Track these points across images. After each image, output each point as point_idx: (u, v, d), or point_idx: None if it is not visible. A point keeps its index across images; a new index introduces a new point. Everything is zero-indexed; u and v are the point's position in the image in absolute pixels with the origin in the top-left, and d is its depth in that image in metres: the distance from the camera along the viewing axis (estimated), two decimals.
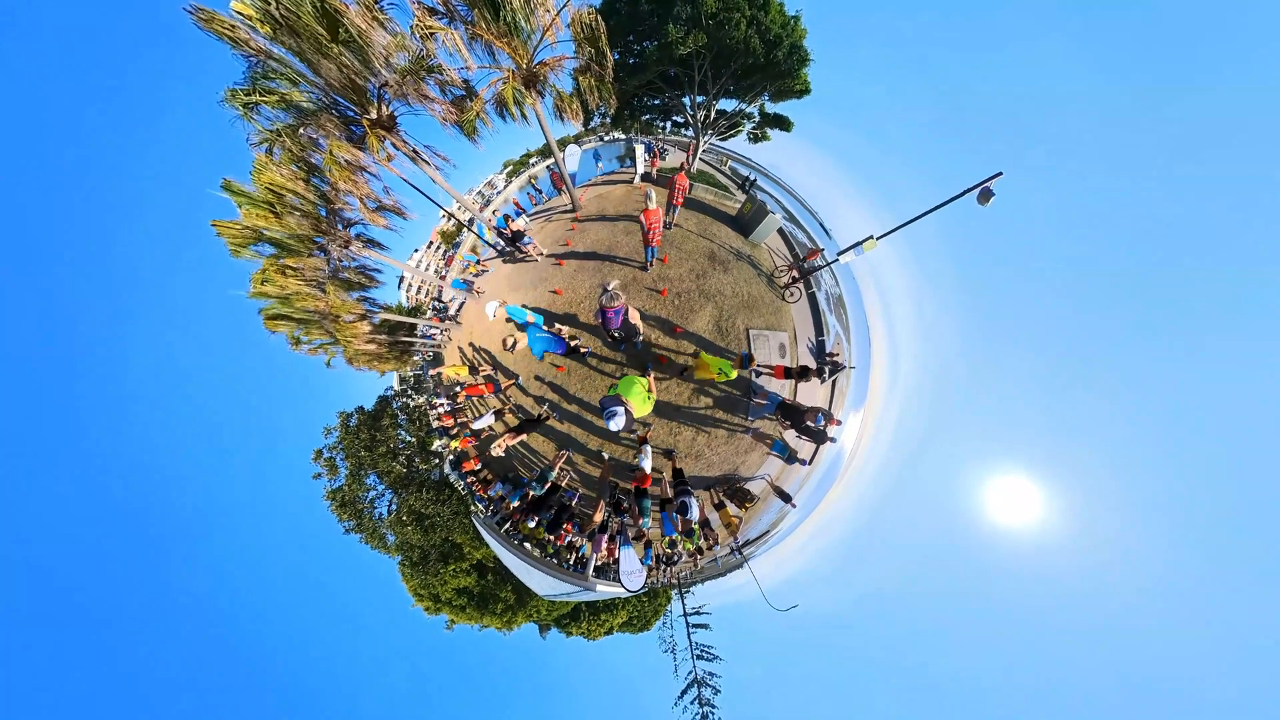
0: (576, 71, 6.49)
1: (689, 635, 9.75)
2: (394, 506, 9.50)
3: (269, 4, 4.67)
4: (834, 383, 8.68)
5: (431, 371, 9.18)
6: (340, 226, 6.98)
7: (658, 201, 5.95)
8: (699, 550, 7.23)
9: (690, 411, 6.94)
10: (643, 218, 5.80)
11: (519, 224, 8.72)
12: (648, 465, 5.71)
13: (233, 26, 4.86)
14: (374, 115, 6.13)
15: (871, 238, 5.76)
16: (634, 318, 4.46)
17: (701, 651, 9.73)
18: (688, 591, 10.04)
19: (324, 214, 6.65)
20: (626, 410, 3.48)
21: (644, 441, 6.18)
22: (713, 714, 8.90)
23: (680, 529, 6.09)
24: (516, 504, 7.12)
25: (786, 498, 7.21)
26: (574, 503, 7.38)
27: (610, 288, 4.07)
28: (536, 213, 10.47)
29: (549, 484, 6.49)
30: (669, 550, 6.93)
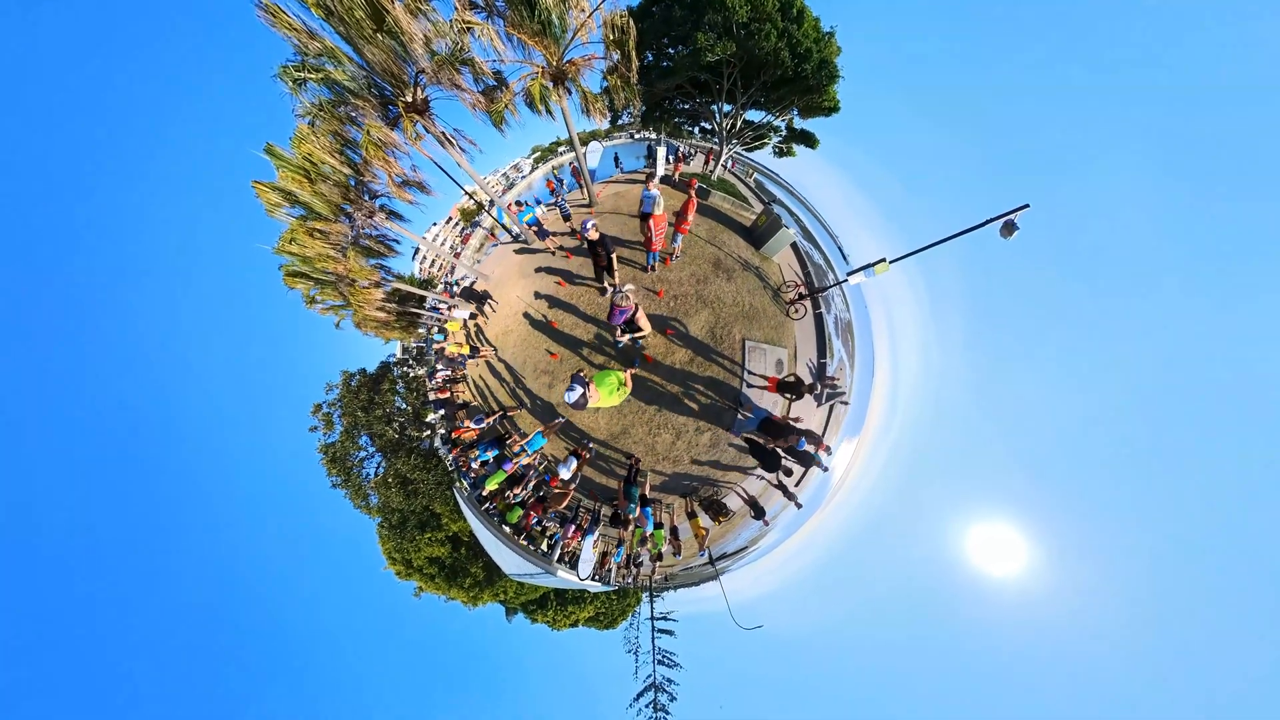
0: (605, 72, 6.67)
1: (653, 639, 9.70)
2: (381, 469, 9.89)
3: None
4: (830, 409, 8.49)
5: (435, 346, 9.54)
6: (367, 197, 7.39)
7: (665, 206, 5.99)
8: (659, 556, 7.20)
9: (673, 415, 6.95)
10: (651, 222, 5.88)
11: (544, 214, 8.98)
12: (565, 473, 6.00)
13: (292, 24, 5.30)
14: (409, 99, 6.48)
15: (884, 260, 5.64)
16: (641, 321, 4.62)
17: (663, 657, 9.67)
18: (658, 596, 9.99)
19: (353, 184, 7.06)
20: (586, 393, 3.64)
21: (577, 457, 6.31)
22: (666, 719, 8.82)
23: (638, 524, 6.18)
24: (486, 461, 7.16)
25: (760, 513, 7.08)
26: (548, 483, 7.51)
27: (624, 288, 4.29)
28: (553, 203, 10.73)
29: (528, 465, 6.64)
30: (638, 549, 6.96)
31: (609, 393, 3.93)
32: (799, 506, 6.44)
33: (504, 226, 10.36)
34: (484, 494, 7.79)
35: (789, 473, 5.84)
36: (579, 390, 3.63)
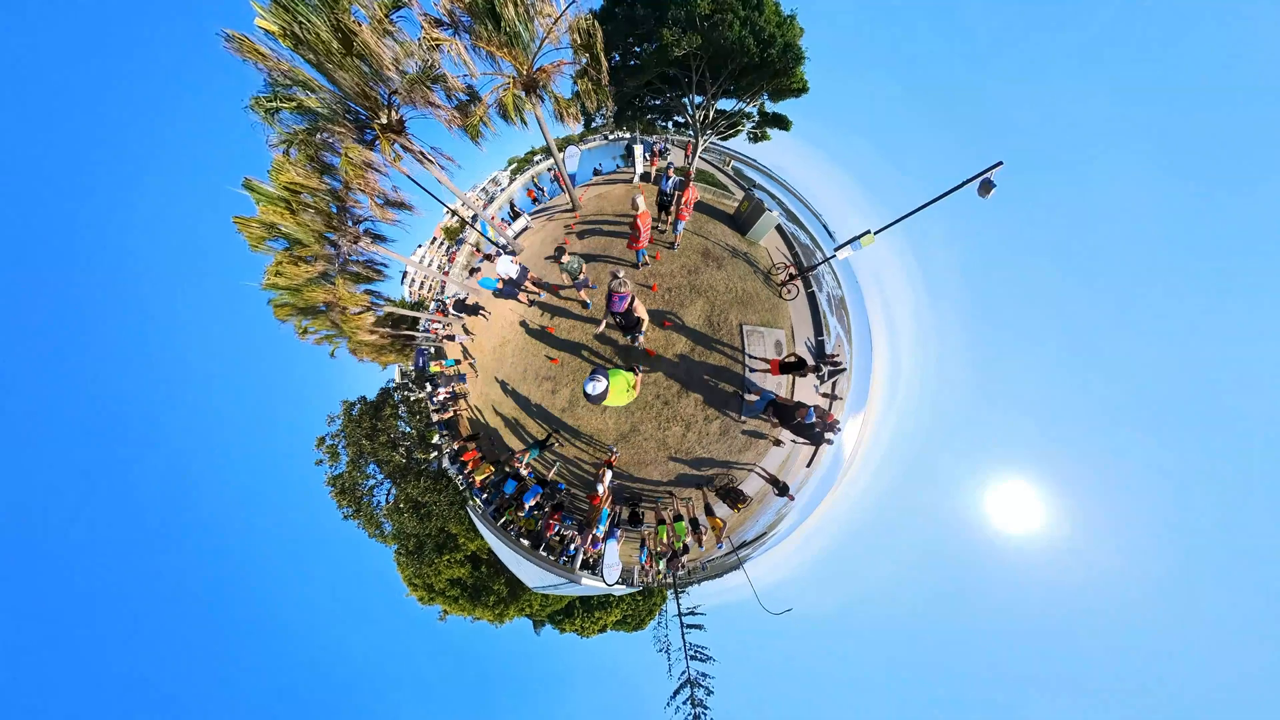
0: (575, 76, 6.73)
1: (683, 635, 9.64)
2: (392, 495, 9.78)
3: (290, 23, 5.06)
4: (833, 385, 8.56)
5: (433, 365, 9.49)
6: (350, 222, 7.36)
7: (646, 204, 6.05)
8: (685, 548, 7.19)
9: (681, 407, 6.97)
10: (639, 220, 5.91)
11: (522, 222, 8.97)
12: (601, 489, 5.96)
13: (259, 50, 5.29)
14: (384, 120, 6.49)
15: (869, 232, 5.71)
16: (639, 311, 4.60)
17: (695, 652, 9.60)
18: (683, 592, 9.95)
19: (335, 210, 7.04)
20: (608, 386, 3.60)
21: (610, 466, 6.34)
22: (705, 715, 8.75)
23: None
24: (510, 494, 7.26)
25: (784, 489, 7.02)
26: (562, 492, 7.48)
27: (620, 275, 4.38)
28: (537, 211, 10.76)
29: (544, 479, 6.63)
30: (665, 547, 6.94)
31: (620, 392, 3.92)
32: (830, 442, 6.39)
33: (489, 240, 10.37)
34: (480, 490, 7.66)
35: (817, 436, 5.85)
36: (603, 383, 3.50)
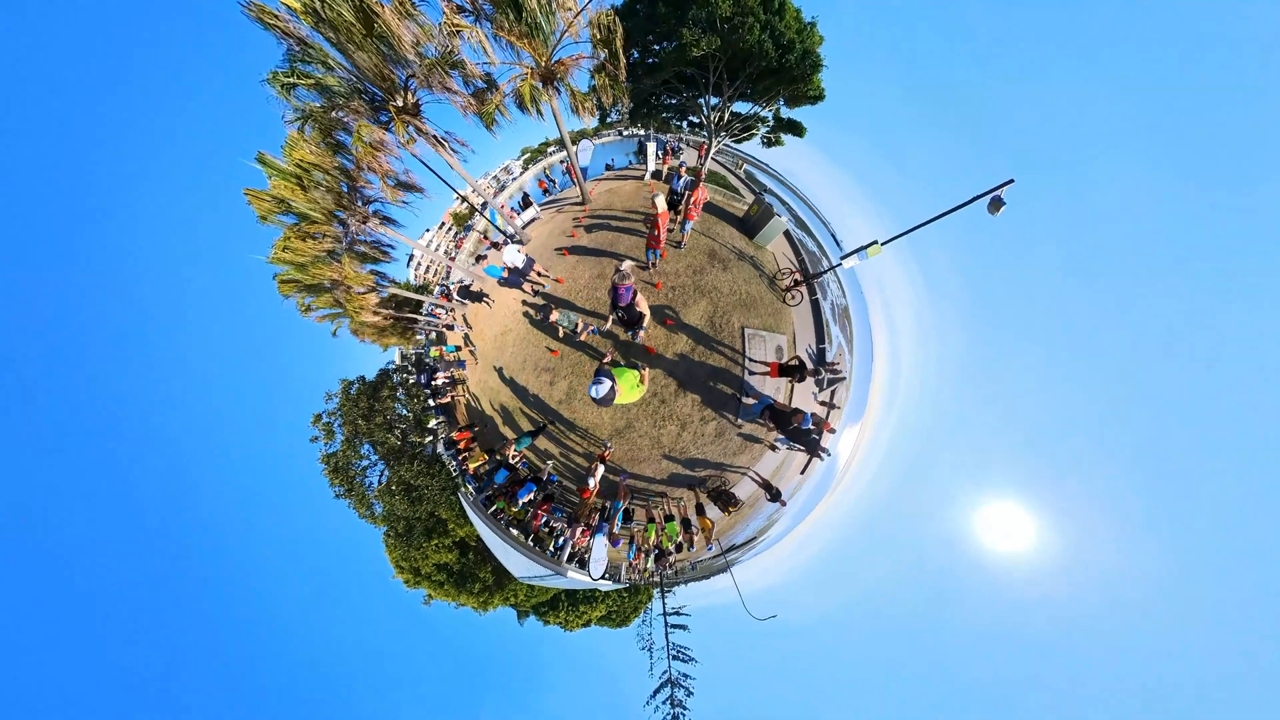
0: (593, 70, 6.74)
1: (666, 635, 9.65)
2: (384, 477, 9.80)
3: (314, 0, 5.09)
4: (832, 394, 8.56)
5: (434, 350, 9.51)
6: (360, 202, 7.38)
7: (663, 204, 6.06)
8: (679, 546, 7.20)
9: (678, 406, 6.97)
10: (660, 219, 5.89)
11: (528, 214, 8.96)
12: (593, 483, 5.99)
13: (278, 17, 5.30)
14: (400, 102, 6.51)
15: (876, 243, 5.71)
16: (642, 305, 4.60)
17: (678, 652, 9.62)
18: (669, 591, 9.95)
19: (346, 189, 7.06)
20: (613, 387, 3.54)
21: (602, 461, 6.35)
22: (684, 715, 8.75)
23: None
24: (501, 484, 7.29)
25: (776, 495, 7.03)
26: (554, 485, 7.49)
27: (623, 267, 4.38)
28: (547, 203, 10.78)
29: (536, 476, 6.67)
30: (654, 546, 6.95)
31: (629, 388, 3.88)
32: (822, 457, 6.35)
33: (498, 228, 10.38)
34: (474, 479, 7.72)
35: (813, 444, 5.81)
36: (607, 384, 3.38)
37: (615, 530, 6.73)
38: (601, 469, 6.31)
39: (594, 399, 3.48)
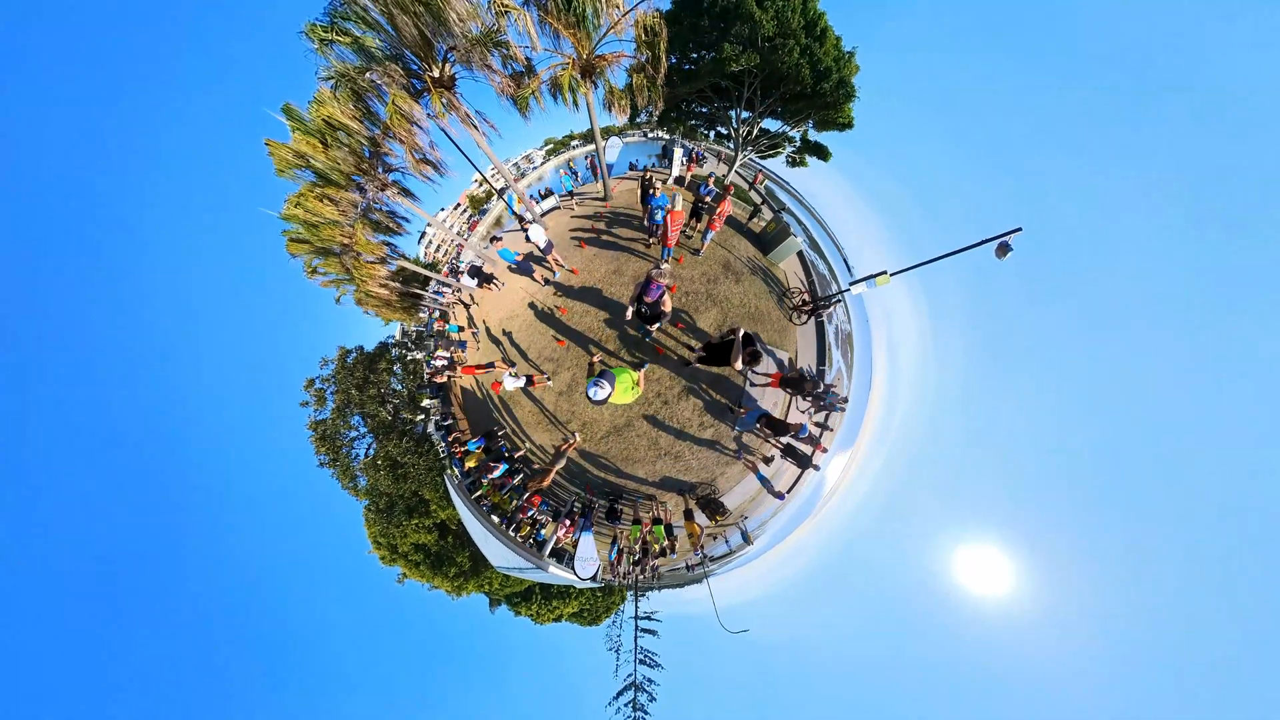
0: (631, 69, 6.79)
1: (636, 638, 9.58)
2: (372, 451, 9.62)
3: None
4: (826, 416, 8.67)
5: (436, 326, 9.38)
6: (381, 170, 7.28)
7: (682, 205, 6.13)
8: (662, 551, 7.19)
9: (678, 410, 7.00)
10: (668, 218, 5.97)
11: (548, 203, 8.92)
12: (553, 471, 6.02)
13: None
14: (436, 74, 6.46)
15: (885, 273, 5.84)
16: (666, 305, 4.67)
17: (645, 657, 9.55)
18: (644, 595, 9.92)
19: (368, 155, 6.95)
20: (611, 391, 3.60)
21: (562, 451, 6.39)
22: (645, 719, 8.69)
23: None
24: (483, 461, 7.21)
25: (777, 494, 6.99)
26: (524, 465, 7.44)
27: (663, 266, 4.48)
28: (566, 195, 10.76)
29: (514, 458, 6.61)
30: (639, 547, 6.92)
31: (624, 390, 3.93)
32: (817, 468, 6.47)
33: (515, 214, 10.33)
34: (465, 471, 7.69)
35: (805, 459, 5.89)
36: (607, 389, 3.48)
37: (593, 526, 6.69)
38: (564, 459, 6.24)
39: (593, 400, 3.54)
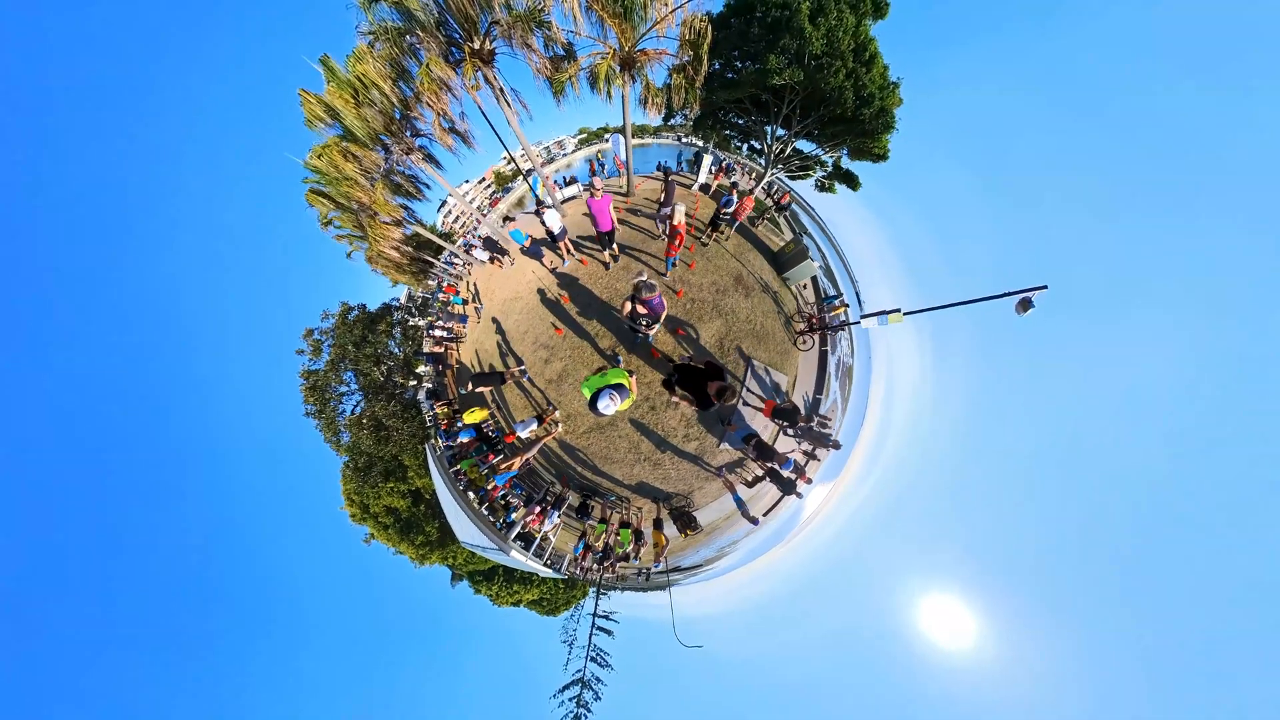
0: (672, 69, 6.70)
1: (590, 635, 9.55)
2: (359, 409, 9.67)
3: None
4: (814, 449, 8.54)
5: (440, 297, 9.40)
6: (409, 134, 7.28)
7: (692, 217, 6.04)
8: (625, 556, 7.14)
9: (664, 418, 6.93)
10: (673, 228, 5.88)
11: (570, 191, 8.86)
12: (524, 434, 6.07)
13: None
14: (476, 45, 6.42)
15: (899, 310, 5.70)
16: (661, 309, 4.62)
17: (597, 655, 9.53)
18: (605, 594, 9.89)
19: (398, 117, 6.95)
20: (619, 404, 3.51)
21: (541, 421, 6.41)
22: (586, 717, 8.68)
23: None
24: (465, 440, 7.25)
25: (751, 518, 6.93)
26: (497, 438, 7.46)
27: (644, 277, 4.30)
28: (589, 185, 10.69)
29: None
30: (601, 548, 6.89)
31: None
32: (799, 496, 6.40)
33: (536, 198, 10.30)
34: (459, 431, 7.70)
35: (789, 485, 5.81)
36: (617, 400, 3.41)
37: (560, 518, 6.68)
38: (535, 425, 6.22)
39: (599, 413, 3.40)
